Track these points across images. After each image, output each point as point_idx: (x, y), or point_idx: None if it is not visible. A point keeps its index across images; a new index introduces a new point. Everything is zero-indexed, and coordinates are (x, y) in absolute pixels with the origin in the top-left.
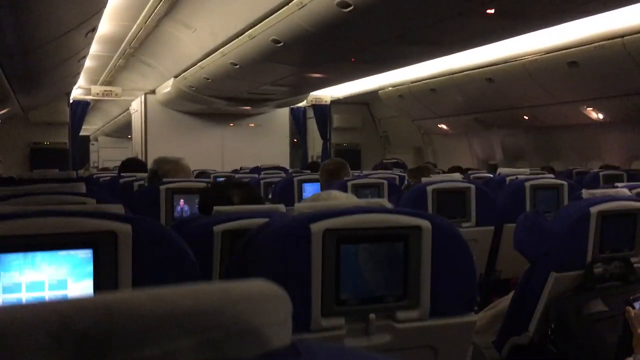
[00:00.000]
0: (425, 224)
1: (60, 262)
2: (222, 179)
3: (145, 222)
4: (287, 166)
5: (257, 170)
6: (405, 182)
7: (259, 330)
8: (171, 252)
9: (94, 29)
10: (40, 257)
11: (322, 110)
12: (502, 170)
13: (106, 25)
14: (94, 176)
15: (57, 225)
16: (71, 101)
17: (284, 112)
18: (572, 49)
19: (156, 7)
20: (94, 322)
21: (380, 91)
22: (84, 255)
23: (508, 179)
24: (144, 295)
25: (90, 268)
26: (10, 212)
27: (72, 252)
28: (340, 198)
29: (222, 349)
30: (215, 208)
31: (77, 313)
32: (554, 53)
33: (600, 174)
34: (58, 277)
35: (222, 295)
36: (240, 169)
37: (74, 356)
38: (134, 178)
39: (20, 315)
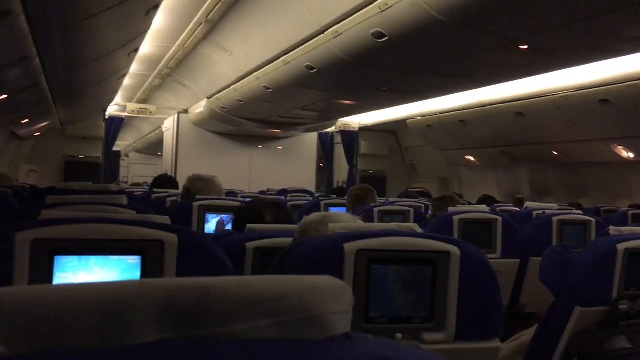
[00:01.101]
0: (454, 249)
1: (112, 266)
2: (248, 199)
3: (190, 233)
4: (313, 190)
5: (283, 192)
6: (430, 212)
7: (326, 317)
8: (212, 262)
9: (137, 50)
10: (93, 260)
11: (350, 137)
12: (529, 204)
13: (146, 46)
14: (126, 191)
15: (111, 232)
16: (107, 117)
17: (312, 136)
18: (604, 87)
19: (196, 30)
20: (194, 299)
21: (408, 120)
22: (133, 261)
23: (535, 213)
24: (234, 280)
25: (137, 273)
26: (68, 218)
27: (123, 258)
28: (344, 218)
29: (293, 330)
30: (249, 225)
31: (181, 290)
32: (586, 90)
33: (629, 213)
34: (108, 280)
35: (297, 284)
36: (267, 190)
37: (175, 327)
38: (167, 194)
39: (133, 289)
